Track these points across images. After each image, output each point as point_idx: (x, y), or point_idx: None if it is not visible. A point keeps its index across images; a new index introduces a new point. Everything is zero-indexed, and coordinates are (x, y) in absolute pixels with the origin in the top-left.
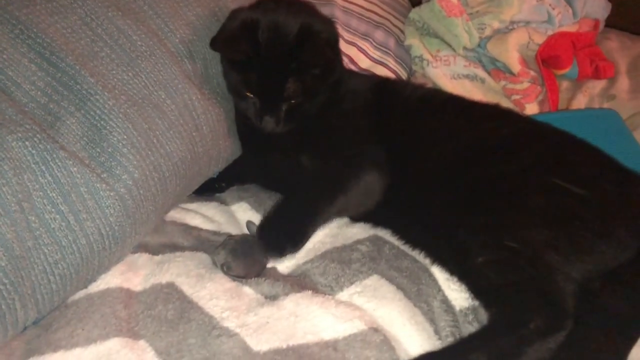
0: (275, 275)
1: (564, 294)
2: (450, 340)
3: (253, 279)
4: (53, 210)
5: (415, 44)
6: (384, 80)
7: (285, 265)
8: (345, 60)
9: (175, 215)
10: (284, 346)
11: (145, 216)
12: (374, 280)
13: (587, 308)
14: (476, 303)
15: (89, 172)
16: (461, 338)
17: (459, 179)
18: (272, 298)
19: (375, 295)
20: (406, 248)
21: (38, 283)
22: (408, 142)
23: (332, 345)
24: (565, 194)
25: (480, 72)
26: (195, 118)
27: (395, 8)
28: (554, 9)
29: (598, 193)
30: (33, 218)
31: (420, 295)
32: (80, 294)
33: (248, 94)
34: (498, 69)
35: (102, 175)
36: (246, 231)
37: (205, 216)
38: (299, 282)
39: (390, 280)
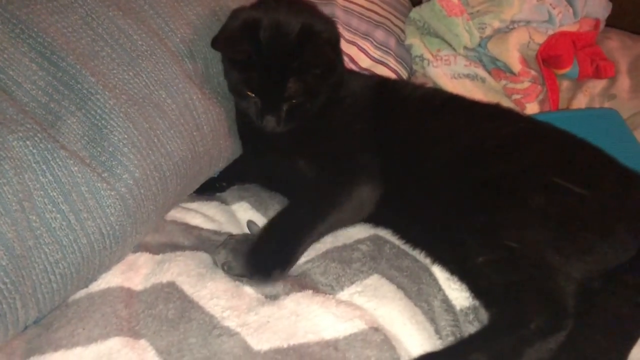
0: None
1: (564, 294)
2: (450, 339)
3: None
4: (54, 209)
5: (416, 43)
6: (385, 80)
7: None
8: (346, 59)
9: (175, 214)
10: (285, 345)
11: (146, 215)
12: (374, 280)
13: (588, 308)
14: (477, 302)
15: (90, 171)
16: (461, 338)
17: (460, 178)
18: (272, 297)
19: (376, 294)
20: (407, 248)
21: (39, 282)
22: (408, 141)
23: (333, 345)
24: (565, 193)
25: (481, 72)
26: (196, 117)
27: (396, 7)
28: (554, 8)
29: (599, 193)
30: (34, 217)
31: (420, 294)
32: (81, 293)
33: (249, 93)
34: (498, 68)
35: (102, 175)
36: (247, 230)
37: (205, 215)
38: (299, 281)
39: (391, 279)
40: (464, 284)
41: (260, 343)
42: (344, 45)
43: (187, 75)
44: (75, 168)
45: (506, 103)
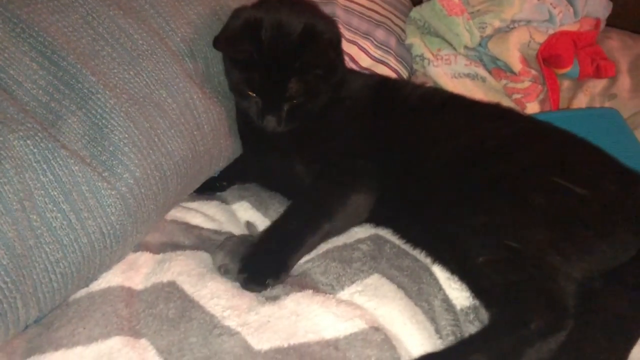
0: None
1: (564, 294)
2: (451, 339)
3: None
4: (54, 208)
5: (416, 42)
6: (385, 80)
7: None
8: (347, 59)
9: (176, 214)
10: (285, 345)
11: (147, 215)
12: (374, 279)
13: (588, 308)
14: (477, 302)
15: (91, 170)
16: (462, 338)
17: (460, 178)
18: (273, 297)
19: (376, 294)
20: (407, 247)
21: (39, 282)
22: (408, 141)
23: (333, 344)
24: (566, 193)
25: (481, 71)
26: (196, 117)
27: (397, 7)
28: (555, 8)
29: (599, 192)
30: (34, 217)
31: (421, 294)
32: (82, 292)
33: (250, 93)
34: (499, 68)
35: (103, 174)
36: (246, 231)
37: (206, 215)
38: (299, 281)
39: (391, 279)
40: (464, 283)
41: (260, 343)
42: (345, 45)
43: (187, 75)
44: (76, 167)
45: (507, 102)
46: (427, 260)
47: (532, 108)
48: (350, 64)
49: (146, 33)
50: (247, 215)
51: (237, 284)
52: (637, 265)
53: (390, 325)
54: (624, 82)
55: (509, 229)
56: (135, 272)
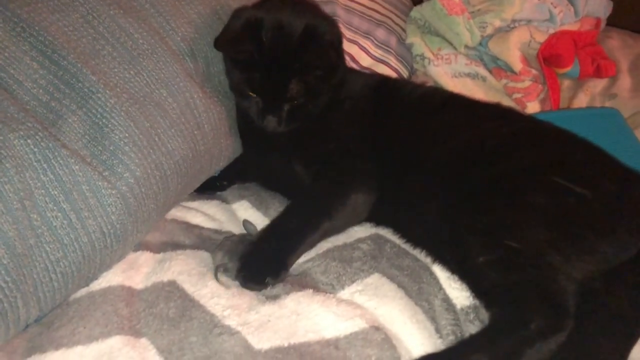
0: None
1: (565, 294)
2: (451, 338)
3: None
4: (55, 208)
5: (417, 42)
6: (385, 79)
7: None
8: (347, 58)
9: (176, 213)
10: (285, 344)
11: (147, 214)
12: (375, 279)
13: (588, 307)
14: (477, 302)
15: (91, 170)
16: (462, 338)
17: (460, 178)
18: (273, 296)
19: (377, 293)
20: (407, 247)
21: (40, 281)
22: (409, 140)
23: (334, 344)
24: (566, 193)
25: (482, 71)
26: (196, 116)
27: (397, 6)
28: (555, 7)
29: (599, 192)
30: (35, 216)
31: (421, 293)
32: (82, 292)
33: (250, 93)
34: (499, 67)
35: (103, 174)
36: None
37: (206, 214)
38: (300, 280)
39: (392, 278)
40: (465, 283)
41: (260, 342)
42: (345, 44)
43: (188, 74)
44: (76, 167)
45: (507, 102)
46: (428, 260)
47: (532, 107)
48: (350, 64)
49: (146, 32)
50: (247, 214)
51: (238, 283)
52: (637, 265)
53: (390, 325)
54: (625, 81)
55: (509, 228)
56: (136, 272)
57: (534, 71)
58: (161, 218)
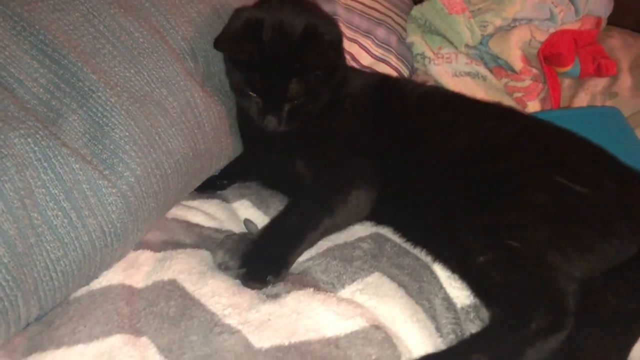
0: None
1: (565, 294)
2: (451, 337)
3: None
4: (55, 207)
5: (417, 41)
6: (386, 78)
7: None
8: (347, 57)
9: (177, 212)
10: (286, 343)
11: (147, 213)
12: (375, 278)
13: (589, 306)
14: (477, 301)
15: (91, 169)
16: (462, 337)
17: (460, 177)
18: (273, 295)
19: (377, 292)
20: (408, 246)
21: (40, 280)
22: (409, 140)
23: (334, 343)
24: (567, 192)
25: (482, 70)
26: (197, 115)
27: (397, 5)
28: (556, 6)
29: (600, 191)
30: (35, 215)
31: (421, 292)
32: (82, 290)
33: (251, 93)
34: (500, 66)
35: (104, 172)
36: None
37: (207, 213)
38: (300, 279)
39: (392, 277)
40: (465, 283)
41: (261, 341)
42: (346, 43)
43: (188, 73)
44: (77, 165)
45: (507, 101)
46: (428, 259)
47: (533, 107)
48: (351, 63)
49: (147, 31)
50: (247, 213)
51: (238, 282)
52: (638, 264)
53: (390, 324)
54: (625, 80)
55: (509, 228)
56: (136, 271)
57: (534, 70)
58: (161, 217)
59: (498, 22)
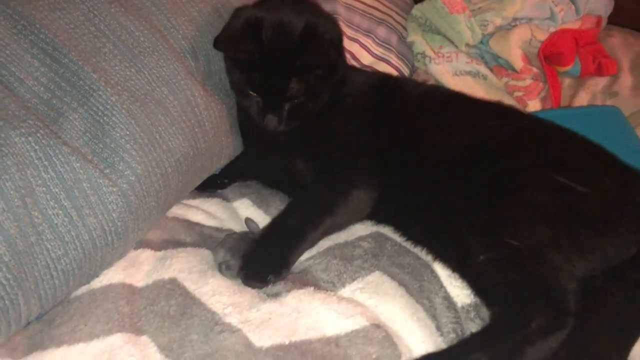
0: None
1: (565, 293)
2: (452, 336)
3: None
4: (56, 205)
5: (418, 40)
6: (386, 77)
7: None
8: (348, 56)
9: (177, 211)
10: (286, 342)
11: (148, 212)
12: (376, 277)
13: (589, 306)
14: (478, 300)
15: (92, 167)
16: (463, 336)
17: (461, 176)
18: (274, 294)
19: (378, 291)
20: (408, 245)
21: (41, 278)
22: (410, 139)
23: (334, 342)
24: (567, 191)
25: (483, 69)
26: (197, 114)
27: (398, 4)
28: (556, 5)
29: (600, 190)
30: (36, 213)
31: (422, 291)
32: (83, 289)
33: (251, 92)
34: (500, 65)
35: (104, 171)
36: (247, 228)
37: (207, 212)
38: (301, 278)
39: (393, 276)
40: (465, 282)
41: (261, 340)
42: (346, 42)
43: (189, 72)
44: (78, 164)
45: (508, 100)
46: (428, 258)
47: (533, 106)
48: (351, 62)
49: (147, 30)
50: (248, 212)
51: (239, 281)
52: (638, 263)
53: (391, 323)
54: (626, 80)
55: (509, 227)
56: (137, 269)
57: (535, 69)
58: (162, 216)
59: (498, 21)
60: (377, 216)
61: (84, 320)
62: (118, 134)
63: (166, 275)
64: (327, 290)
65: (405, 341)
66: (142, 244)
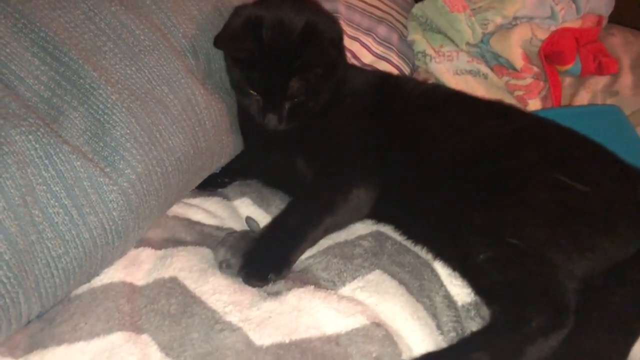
0: None
1: (566, 292)
2: (452, 335)
3: None
4: (56, 204)
5: (418, 39)
6: (387, 76)
7: None
8: (348, 55)
9: (178, 210)
10: (287, 341)
11: (148, 211)
12: (376, 276)
13: (589, 304)
14: (478, 298)
15: (92, 166)
16: (463, 337)
17: (461, 175)
18: (274, 293)
19: (378, 290)
20: (408, 244)
21: (41, 277)
22: (410, 138)
23: (335, 340)
24: (567, 190)
25: (483, 68)
26: (198, 113)
27: (398, 3)
28: (557, 4)
29: (600, 189)
30: (36, 212)
31: (422, 290)
32: (84, 288)
33: (251, 91)
34: (501, 64)
35: (105, 170)
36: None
37: (207, 211)
38: (301, 277)
39: (393, 275)
40: (466, 281)
41: (262, 338)
42: (347, 41)
43: (189, 71)
44: (78, 163)
45: (508, 99)
46: (429, 257)
47: (533, 105)
48: (352, 61)
49: (148, 29)
50: (248, 211)
51: (239, 279)
52: (638, 262)
53: (391, 321)
54: (626, 79)
55: (510, 226)
56: (137, 268)
57: (535, 68)
58: (162, 214)
59: (499, 20)
60: (377, 215)
61: (85, 318)
62: (118, 133)
63: (167, 273)
64: (327, 289)
65: (405, 340)
66: (143, 242)
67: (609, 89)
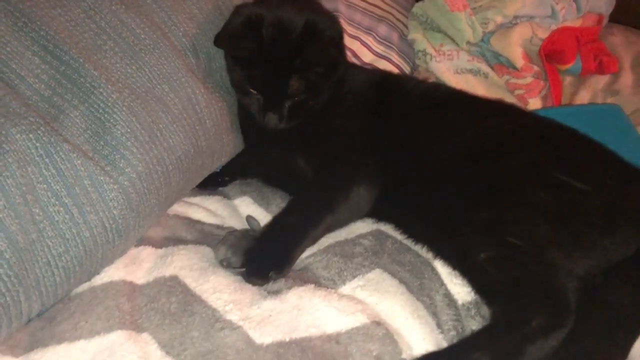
0: None
1: (566, 291)
2: (452, 334)
3: None
4: (57, 202)
5: (419, 38)
6: (387, 75)
7: None
8: (349, 54)
9: (178, 209)
10: (287, 339)
11: (149, 209)
12: (376, 274)
13: (590, 303)
14: (478, 297)
15: (93, 165)
16: (463, 336)
17: (462, 174)
18: (275, 291)
19: (378, 289)
20: (409, 242)
21: (42, 275)
22: (411, 136)
23: (335, 339)
24: (568, 189)
25: (484, 67)
26: (198, 112)
27: (399, 2)
28: (557, 3)
29: (601, 188)
30: (37, 210)
31: (422, 289)
32: (84, 286)
33: (251, 90)
34: (501, 63)
35: (105, 168)
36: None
37: (208, 210)
38: (301, 276)
39: (393, 274)
40: (466, 280)
41: (262, 337)
42: (347, 40)
43: (189, 70)
44: (78, 161)
45: (509, 98)
46: (429, 256)
47: (534, 104)
48: (352, 60)
49: (148, 27)
50: (248, 210)
51: (239, 278)
52: (638, 262)
53: (391, 320)
54: (627, 78)
55: (510, 225)
56: (138, 267)
57: (535, 67)
58: (163, 213)
59: (499, 19)
60: (377, 214)
61: (85, 317)
62: (119, 132)
63: (167, 272)
64: (327, 288)
65: (405, 338)
66: (143, 241)
67: (609, 88)
